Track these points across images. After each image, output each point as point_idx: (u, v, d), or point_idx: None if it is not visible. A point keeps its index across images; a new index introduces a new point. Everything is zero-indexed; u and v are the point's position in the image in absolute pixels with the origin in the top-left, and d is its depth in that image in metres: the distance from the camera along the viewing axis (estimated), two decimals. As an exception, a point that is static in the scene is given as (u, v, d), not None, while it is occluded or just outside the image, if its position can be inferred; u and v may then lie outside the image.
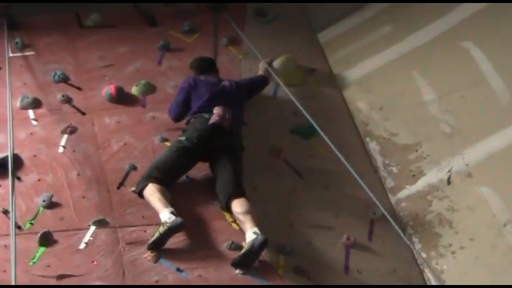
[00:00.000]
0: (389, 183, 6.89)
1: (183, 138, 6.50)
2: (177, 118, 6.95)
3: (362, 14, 8.60)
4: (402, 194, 6.75)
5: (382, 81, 7.68)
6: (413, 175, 6.79)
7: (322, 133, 6.45)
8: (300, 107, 6.68)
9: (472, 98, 6.93)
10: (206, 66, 7.28)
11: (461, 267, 6.08)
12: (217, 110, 6.58)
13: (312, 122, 6.58)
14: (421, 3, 8.00)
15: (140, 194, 6.26)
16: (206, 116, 6.60)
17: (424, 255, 6.27)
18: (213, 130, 6.50)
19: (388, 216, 6.04)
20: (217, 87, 6.92)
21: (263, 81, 7.44)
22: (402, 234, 6.11)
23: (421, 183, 6.71)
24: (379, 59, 7.88)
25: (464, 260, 6.10)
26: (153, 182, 6.21)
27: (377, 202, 6.07)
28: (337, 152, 6.24)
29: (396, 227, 5.98)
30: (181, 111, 6.92)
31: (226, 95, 6.85)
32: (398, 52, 7.77)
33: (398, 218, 6.60)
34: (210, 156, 6.52)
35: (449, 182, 6.56)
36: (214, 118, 6.53)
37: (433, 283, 6.08)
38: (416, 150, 6.93)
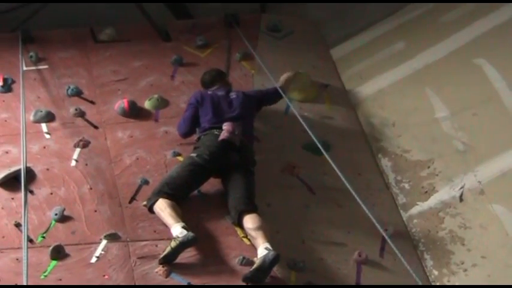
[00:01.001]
0: (401, 199, 6.88)
1: (194, 155, 6.49)
2: (185, 134, 6.94)
3: (375, 30, 8.62)
4: (414, 210, 6.74)
5: (395, 97, 7.68)
6: (426, 192, 6.77)
7: (326, 154, 6.35)
8: (306, 127, 6.59)
9: (485, 115, 6.92)
10: (213, 79, 7.25)
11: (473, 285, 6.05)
12: (226, 126, 6.56)
13: (317, 142, 6.48)
14: (434, 19, 8.02)
15: (150, 209, 6.26)
16: (216, 132, 6.59)
17: (436, 272, 6.25)
18: (223, 147, 6.48)
19: (389, 241, 5.80)
20: (225, 102, 6.91)
21: (275, 93, 7.29)
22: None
23: (433, 200, 6.69)
24: (391, 75, 7.89)
25: (477, 278, 6.06)
26: (163, 197, 6.21)
27: (375, 222, 5.95)
28: (339, 172, 6.12)
29: (394, 249, 5.87)
30: (188, 127, 6.91)
31: (234, 109, 6.84)
32: (411, 69, 7.78)
33: (410, 234, 6.58)
34: (221, 172, 6.51)
35: (461, 199, 6.54)
36: (223, 134, 6.51)
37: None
38: (429, 167, 6.92)
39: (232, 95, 6.99)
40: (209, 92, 7.03)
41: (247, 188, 6.34)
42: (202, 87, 7.25)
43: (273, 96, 7.32)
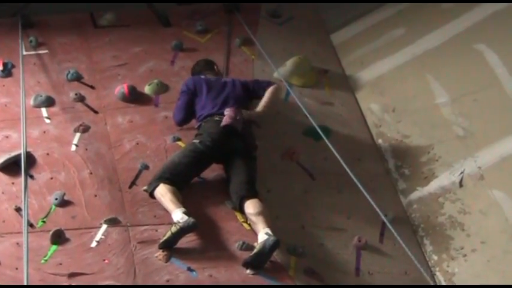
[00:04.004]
0: (401, 185, 6.88)
1: (197, 141, 6.48)
2: (180, 122, 6.91)
3: (375, 15, 8.60)
4: (414, 196, 6.74)
5: (395, 83, 7.67)
6: (425, 177, 6.78)
7: (326, 140, 6.38)
8: (306, 112, 6.63)
9: (485, 101, 6.92)
10: (201, 69, 7.29)
11: (472, 271, 6.06)
12: (228, 112, 6.55)
13: (317, 127, 6.49)
14: (434, 5, 7.99)
15: (151, 194, 6.26)
16: (216, 118, 6.57)
17: (435, 257, 6.26)
18: (226, 133, 6.47)
19: (390, 226, 5.77)
20: (219, 86, 6.89)
21: (262, 90, 7.02)
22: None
23: (433, 186, 6.70)
24: (392, 60, 7.87)
25: (476, 263, 6.08)
26: (164, 182, 6.21)
27: (377, 210, 5.92)
28: (339, 157, 6.13)
29: (395, 234, 5.89)
30: (182, 114, 6.88)
31: (229, 93, 6.83)
32: (411, 54, 7.76)
33: (410, 220, 6.59)
34: (224, 159, 6.51)
35: (461, 184, 6.55)
36: (225, 120, 6.49)
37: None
38: (429, 153, 6.92)
39: (225, 79, 6.99)
40: (202, 77, 7.03)
41: (248, 173, 6.35)
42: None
43: (259, 92, 7.05)
